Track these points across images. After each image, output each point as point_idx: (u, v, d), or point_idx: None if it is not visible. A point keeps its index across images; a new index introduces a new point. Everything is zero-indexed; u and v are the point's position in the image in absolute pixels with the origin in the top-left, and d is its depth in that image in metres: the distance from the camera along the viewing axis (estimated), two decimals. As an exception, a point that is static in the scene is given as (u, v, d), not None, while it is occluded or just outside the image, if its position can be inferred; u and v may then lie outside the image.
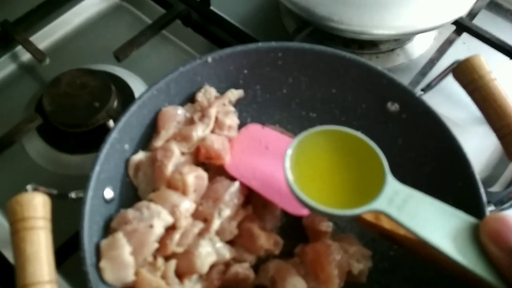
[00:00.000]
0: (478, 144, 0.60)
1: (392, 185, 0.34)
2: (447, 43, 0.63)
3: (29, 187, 0.39)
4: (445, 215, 0.32)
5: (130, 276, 0.40)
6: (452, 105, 0.62)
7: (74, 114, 0.56)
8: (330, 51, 0.50)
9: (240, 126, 0.52)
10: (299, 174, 0.37)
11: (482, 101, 0.45)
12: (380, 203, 0.34)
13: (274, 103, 0.54)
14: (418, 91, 0.49)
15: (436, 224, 0.32)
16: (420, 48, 0.67)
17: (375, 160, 0.37)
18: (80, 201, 0.40)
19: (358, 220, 0.43)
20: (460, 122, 0.60)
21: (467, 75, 0.46)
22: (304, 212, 0.46)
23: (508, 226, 0.27)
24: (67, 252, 0.47)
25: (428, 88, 0.49)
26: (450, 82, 0.55)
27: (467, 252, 0.30)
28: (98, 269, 0.39)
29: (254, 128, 0.52)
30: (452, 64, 0.48)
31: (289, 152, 0.38)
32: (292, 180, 0.37)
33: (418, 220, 0.32)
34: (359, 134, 0.39)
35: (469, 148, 0.46)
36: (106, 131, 0.44)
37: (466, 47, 0.67)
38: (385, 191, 0.34)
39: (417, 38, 0.67)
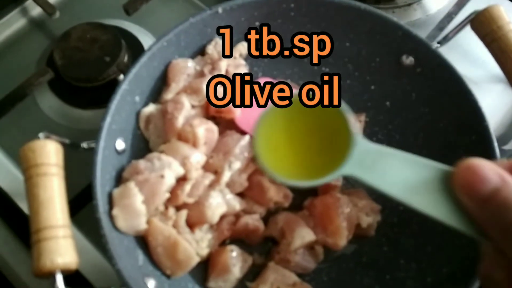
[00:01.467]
0: (493, 102, 0.59)
1: (361, 145, 0.31)
2: (466, -3, 0.61)
3: (41, 135, 0.39)
4: (418, 168, 0.29)
5: (142, 224, 0.41)
6: (468, 63, 0.60)
7: (85, 69, 0.56)
8: (344, 2, 0.48)
9: (251, 81, 0.51)
10: (269, 147, 0.34)
11: (500, 52, 0.43)
12: (350, 167, 0.31)
13: (286, 58, 0.53)
14: (434, 44, 0.48)
15: (409, 180, 0.29)
16: (438, 3, 0.65)
17: (343, 122, 0.33)
18: (92, 151, 0.41)
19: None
20: (476, 79, 0.59)
21: (486, 25, 0.44)
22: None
23: (480, 176, 0.25)
24: (80, 203, 0.48)
25: (444, 40, 0.48)
26: (467, 39, 0.53)
27: (441, 205, 0.27)
28: (111, 217, 0.40)
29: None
30: (470, 15, 0.46)
31: (257, 126, 0.35)
32: (259, 155, 0.34)
33: (389, 178, 0.29)
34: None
35: (484, 106, 0.45)
36: (117, 86, 0.44)
37: (485, 2, 0.64)
38: (353, 154, 0.31)
39: (435, -8, 0.65)
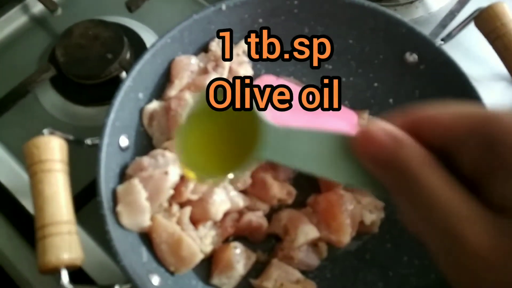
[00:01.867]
0: (496, 100, 0.59)
1: (270, 129, 0.31)
2: (469, -5, 0.61)
3: (45, 131, 0.39)
4: (325, 140, 0.29)
5: (146, 221, 0.41)
6: (471, 60, 0.60)
7: (87, 66, 0.56)
8: (348, -1, 0.48)
9: (254, 78, 0.51)
10: (189, 147, 0.34)
11: (504, 49, 0.43)
12: (263, 152, 0.31)
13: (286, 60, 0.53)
14: (438, 42, 0.48)
15: (319, 153, 0.29)
16: (439, 1, 0.65)
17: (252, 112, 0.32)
18: (96, 148, 0.41)
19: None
20: (479, 77, 0.59)
21: (490, 23, 0.44)
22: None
23: (374, 141, 0.24)
24: (83, 200, 0.48)
25: (448, 38, 0.48)
26: (470, 37, 0.53)
27: (351, 171, 0.27)
28: (115, 214, 0.40)
29: (268, 80, 0.51)
30: (474, 12, 0.46)
31: (180, 128, 0.34)
32: (178, 154, 0.33)
33: (300, 155, 0.29)
34: None
35: (487, 103, 0.45)
36: (119, 83, 0.44)
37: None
38: (264, 139, 0.31)
39: (437, -11, 0.65)
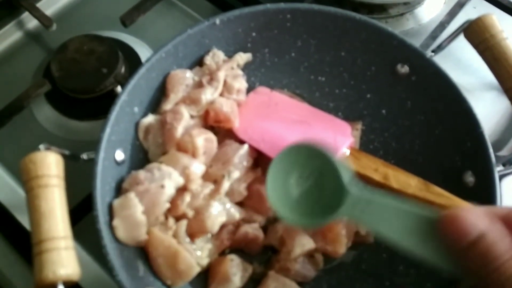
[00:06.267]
0: (487, 110, 0.60)
1: (353, 194, 0.34)
2: (458, 7, 0.62)
3: (41, 146, 0.39)
4: (403, 215, 0.32)
5: (142, 235, 0.41)
6: (461, 71, 0.61)
7: (82, 80, 0.56)
8: (340, 12, 0.49)
9: (248, 91, 0.52)
10: (279, 190, 0.39)
11: (494, 60, 0.44)
12: (344, 211, 0.35)
13: (282, 67, 0.53)
14: (428, 53, 0.49)
15: (395, 223, 0.32)
16: (430, 13, 0.66)
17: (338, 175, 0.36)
18: (92, 162, 0.41)
19: (367, 179, 0.44)
20: (469, 87, 0.60)
21: (479, 34, 0.45)
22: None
23: (461, 228, 0.26)
24: (78, 215, 0.48)
25: (438, 49, 0.49)
26: (460, 48, 0.54)
27: (426, 245, 0.30)
28: (111, 228, 0.40)
29: (262, 91, 0.52)
30: (463, 24, 0.47)
31: (271, 169, 0.39)
32: (269, 196, 0.39)
33: (378, 220, 0.33)
34: (321, 149, 0.38)
35: (478, 113, 0.45)
36: (114, 97, 0.44)
37: (476, 11, 0.66)
38: (346, 202, 0.35)
39: (427, 2, 0.66)
